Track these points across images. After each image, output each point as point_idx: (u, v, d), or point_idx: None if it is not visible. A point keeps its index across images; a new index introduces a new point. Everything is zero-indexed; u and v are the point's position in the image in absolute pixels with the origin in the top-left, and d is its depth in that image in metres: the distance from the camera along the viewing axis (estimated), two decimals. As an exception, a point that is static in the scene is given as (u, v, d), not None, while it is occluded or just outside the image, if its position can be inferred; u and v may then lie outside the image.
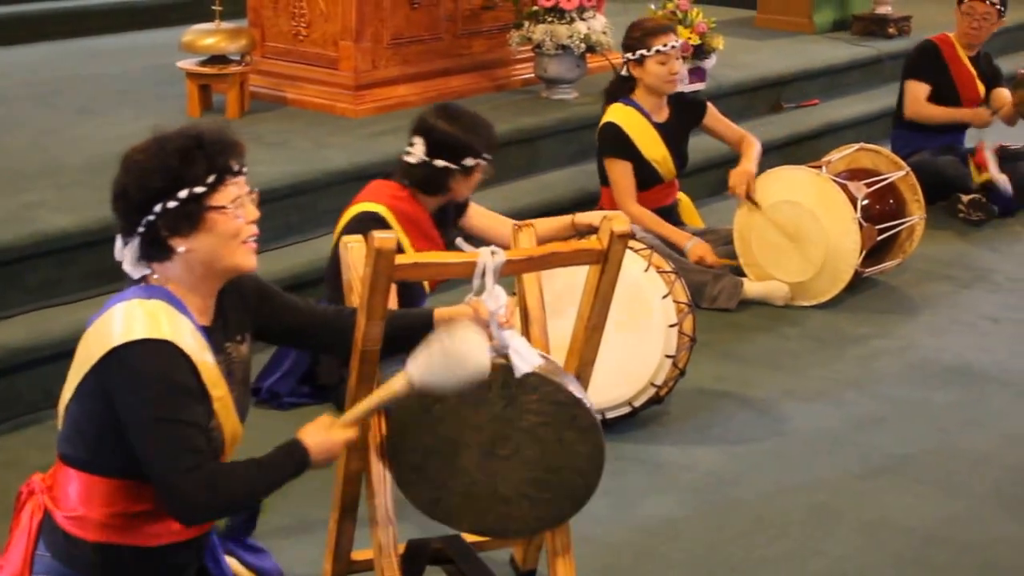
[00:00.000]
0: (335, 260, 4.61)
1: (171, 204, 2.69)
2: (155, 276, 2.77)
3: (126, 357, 2.65)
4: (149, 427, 2.64)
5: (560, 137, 6.82)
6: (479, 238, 4.84)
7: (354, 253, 3.22)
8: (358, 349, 3.01)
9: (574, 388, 3.05)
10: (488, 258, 2.96)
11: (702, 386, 4.97)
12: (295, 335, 3.14)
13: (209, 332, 2.79)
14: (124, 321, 2.67)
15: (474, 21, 7.13)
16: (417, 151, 4.50)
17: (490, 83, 7.22)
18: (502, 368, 2.98)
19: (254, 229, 2.82)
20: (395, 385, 2.86)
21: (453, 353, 2.80)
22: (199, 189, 2.70)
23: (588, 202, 6.10)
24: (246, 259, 2.81)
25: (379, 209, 4.50)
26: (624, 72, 5.86)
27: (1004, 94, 7.26)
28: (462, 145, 4.48)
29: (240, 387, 2.90)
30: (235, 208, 2.76)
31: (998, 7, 7.24)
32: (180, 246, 2.72)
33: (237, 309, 2.94)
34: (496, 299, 2.98)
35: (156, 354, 2.65)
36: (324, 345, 3.28)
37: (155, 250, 2.74)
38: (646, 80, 5.77)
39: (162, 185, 2.69)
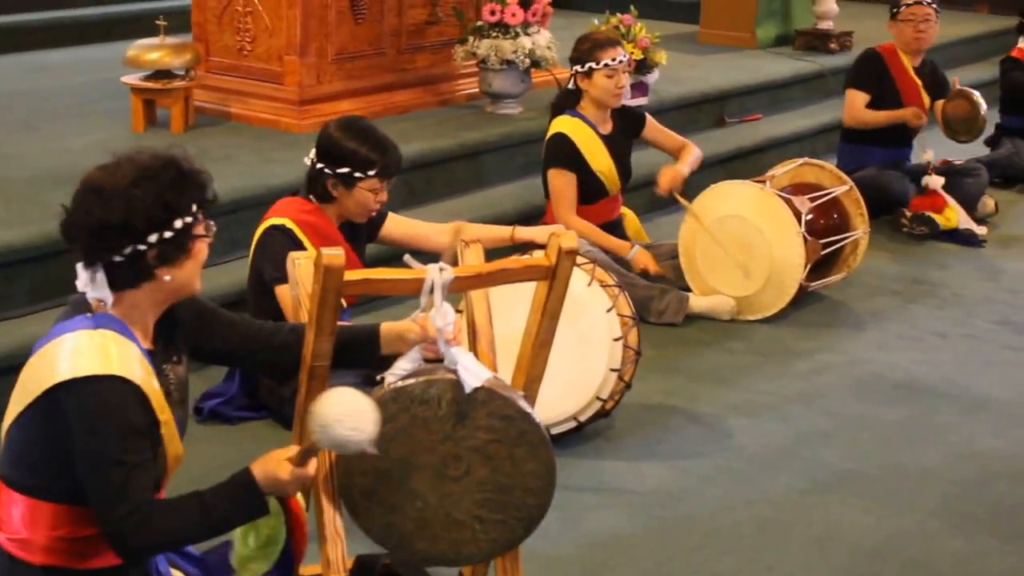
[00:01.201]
0: (255, 276, 4.60)
1: (167, 234, 2.72)
2: (107, 302, 2.74)
3: (74, 394, 2.63)
4: (94, 466, 2.63)
5: (505, 152, 6.81)
6: (404, 247, 4.83)
7: (302, 270, 3.19)
8: (307, 365, 2.99)
9: (523, 403, 3.04)
10: (436, 275, 2.94)
11: (649, 401, 4.96)
12: (233, 354, 3.13)
13: (152, 356, 2.77)
14: (72, 355, 2.65)
15: (418, 36, 7.12)
16: (311, 155, 4.52)
17: (434, 98, 7.20)
18: (451, 385, 2.96)
19: None
20: None
21: (341, 434, 2.74)
22: (189, 219, 2.75)
23: (533, 216, 6.10)
24: (199, 282, 2.86)
25: (286, 222, 4.50)
26: (571, 85, 5.87)
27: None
28: (343, 153, 4.46)
29: (179, 408, 2.88)
30: (209, 235, 2.80)
31: (935, 8, 7.27)
32: (166, 275, 2.75)
33: (173, 329, 2.93)
34: (444, 316, 2.96)
35: (106, 392, 2.63)
36: (263, 363, 3.23)
37: (134, 277, 2.74)
38: (593, 92, 5.78)
39: (162, 216, 2.71)
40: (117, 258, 2.71)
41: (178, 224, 2.72)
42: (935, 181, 7.01)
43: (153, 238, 2.70)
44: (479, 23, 6.92)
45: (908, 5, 7.23)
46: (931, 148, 7.12)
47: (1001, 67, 8.30)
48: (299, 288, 3.20)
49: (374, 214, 4.63)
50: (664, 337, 5.55)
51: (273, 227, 4.53)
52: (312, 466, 2.85)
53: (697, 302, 5.79)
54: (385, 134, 4.58)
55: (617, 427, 4.75)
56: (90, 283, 2.75)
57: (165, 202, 2.71)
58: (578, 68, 5.79)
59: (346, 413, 2.70)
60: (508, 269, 3.12)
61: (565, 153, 5.76)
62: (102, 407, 2.62)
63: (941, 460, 4.64)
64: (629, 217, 6.21)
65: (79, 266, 2.77)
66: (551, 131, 5.85)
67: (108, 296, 2.75)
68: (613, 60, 5.72)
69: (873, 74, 7.27)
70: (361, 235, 4.72)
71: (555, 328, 3.18)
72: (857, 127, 7.25)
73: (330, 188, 4.50)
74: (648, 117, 6.11)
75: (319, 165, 4.50)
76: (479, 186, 6.63)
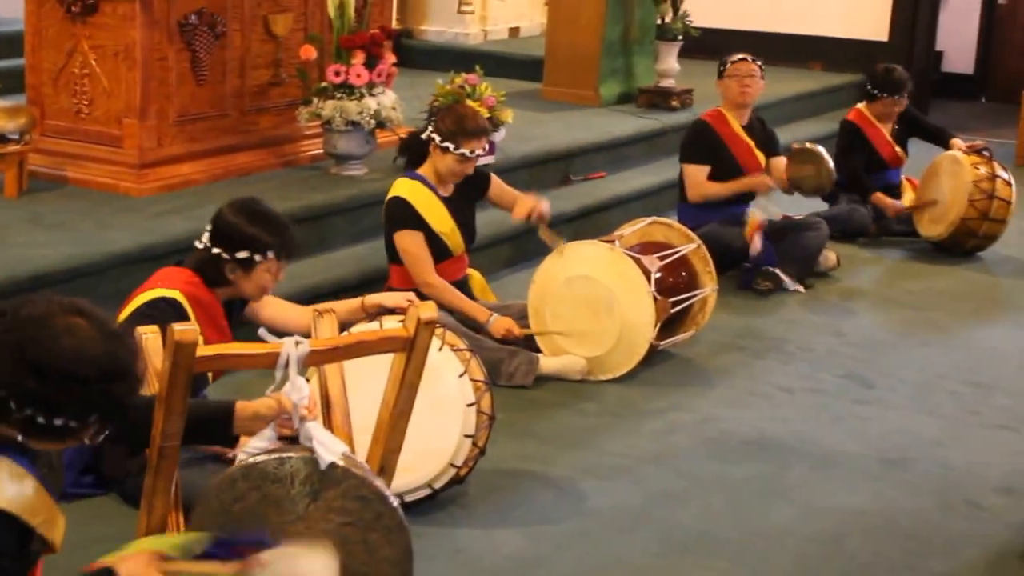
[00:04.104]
0: None
1: (56, 422, 2.60)
2: None
3: None
4: None
5: (350, 214, 6.73)
6: (272, 328, 4.73)
7: (150, 344, 3.10)
8: (156, 445, 2.89)
9: (379, 484, 2.96)
10: (292, 348, 2.88)
11: (502, 465, 4.90)
12: None
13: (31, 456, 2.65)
14: None
15: (262, 97, 7.03)
16: (205, 237, 4.40)
17: (278, 160, 7.11)
18: (305, 462, 2.88)
19: None
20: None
21: None
22: (75, 425, 2.63)
23: (379, 280, 6.03)
24: None
25: (175, 295, 4.34)
26: (427, 146, 5.78)
27: (781, 162, 7.38)
28: (240, 237, 4.35)
29: (54, 480, 2.74)
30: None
31: (760, 64, 7.39)
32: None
33: None
34: (299, 391, 2.89)
35: None
36: (113, 436, 3.12)
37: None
38: (440, 167, 5.74)
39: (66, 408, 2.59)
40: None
41: (69, 423, 2.61)
42: (755, 243, 7.14)
43: (40, 419, 2.58)
44: (323, 84, 6.85)
45: (733, 62, 7.36)
46: (760, 211, 7.24)
47: (840, 129, 8.44)
48: (148, 365, 3.09)
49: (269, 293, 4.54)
50: (515, 399, 5.50)
51: (161, 298, 4.33)
52: None
53: (547, 363, 5.76)
54: (279, 214, 4.49)
55: (471, 493, 4.68)
56: None
57: (85, 403, 2.59)
58: (436, 138, 5.73)
59: None
60: (366, 341, 3.07)
61: (406, 215, 5.70)
62: None
63: (795, 518, 4.65)
64: (475, 277, 6.16)
65: None
66: (389, 194, 5.79)
67: None
68: (471, 152, 5.70)
69: (705, 145, 7.34)
70: (235, 312, 4.60)
71: (413, 399, 3.14)
72: (704, 201, 7.29)
73: (227, 273, 4.37)
74: (494, 178, 6.08)
75: (215, 250, 4.36)
76: (324, 249, 6.53)
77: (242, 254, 4.34)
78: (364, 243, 6.65)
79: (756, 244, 7.05)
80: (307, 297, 5.52)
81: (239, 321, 4.65)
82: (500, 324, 5.72)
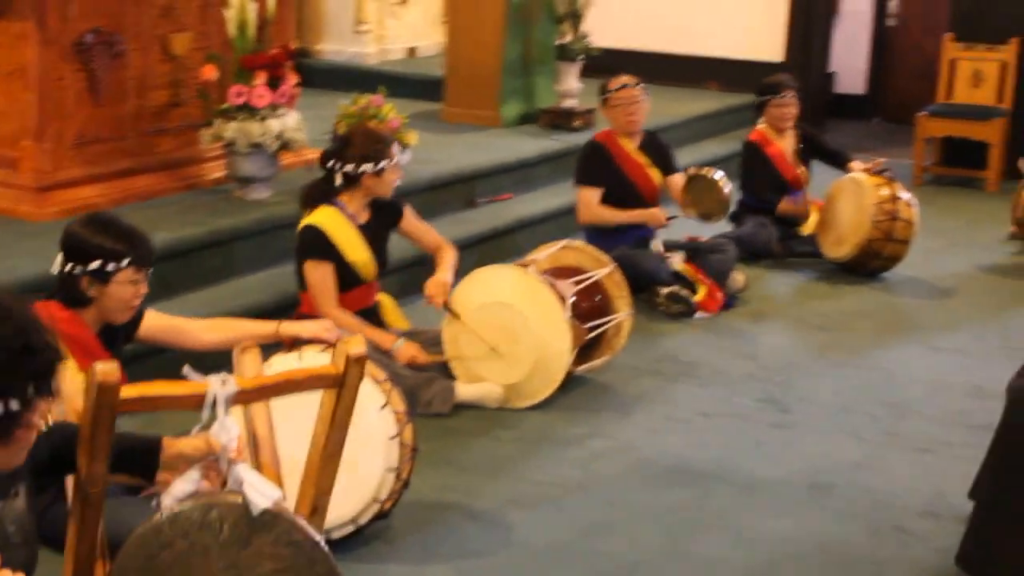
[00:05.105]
0: None
1: None
2: None
3: None
4: None
5: (257, 239, 6.55)
6: (166, 345, 4.57)
7: (70, 382, 2.93)
8: (81, 492, 2.72)
9: (311, 529, 2.82)
10: (219, 387, 2.73)
11: (424, 498, 4.78)
12: None
13: None
14: None
15: (161, 118, 6.82)
16: (58, 260, 4.21)
17: (179, 183, 6.90)
18: (234, 507, 2.73)
19: None
20: None
21: None
22: (17, 406, 2.44)
23: (290, 306, 5.88)
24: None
25: None
26: (339, 182, 5.64)
27: (679, 180, 7.34)
28: (91, 248, 4.15)
29: (22, 549, 2.57)
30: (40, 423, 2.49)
31: (642, 87, 7.34)
32: None
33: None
34: (228, 431, 2.75)
35: None
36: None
37: None
38: (378, 189, 5.62)
39: None
40: None
41: (11, 406, 2.43)
42: (675, 259, 7.08)
43: None
44: (225, 105, 6.67)
45: (615, 91, 7.31)
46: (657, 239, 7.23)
47: (743, 149, 8.43)
48: (66, 404, 2.93)
49: (135, 311, 4.33)
50: (432, 428, 5.37)
51: None
52: None
53: (464, 391, 5.64)
54: (131, 223, 4.30)
55: (396, 527, 4.55)
56: None
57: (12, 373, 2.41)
58: (368, 168, 5.59)
59: None
60: (294, 379, 2.93)
61: (318, 245, 5.56)
62: None
63: (726, 547, 4.58)
64: (387, 303, 6.03)
65: None
66: (303, 222, 5.64)
67: None
68: (396, 155, 5.65)
69: (598, 166, 7.28)
70: (119, 338, 4.40)
71: (344, 438, 3.01)
72: (594, 224, 7.23)
73: (85, 289, 4.17)
74: (407, 210, 5.94)
75: (68, 267, 4.17)
76: (231, 275, 6.36)
77: (94, 265, 4.14)
78: (272, 268, 6.48)
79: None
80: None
81: (123, 347, 4.47)
82: (406, 351, 5.60)
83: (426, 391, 5.54)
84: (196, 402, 2.77)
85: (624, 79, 7.33)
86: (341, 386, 2.96)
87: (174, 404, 2.89)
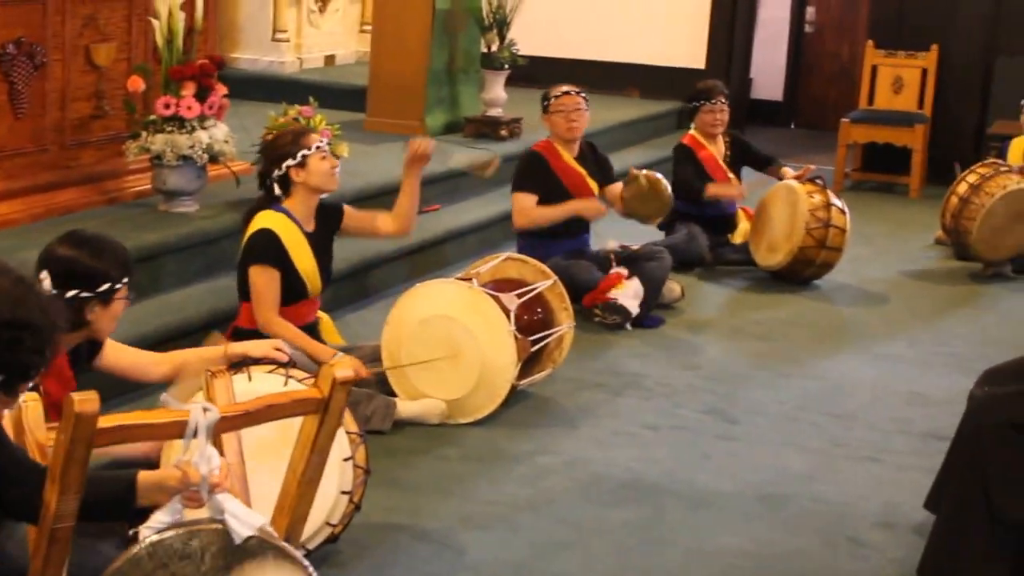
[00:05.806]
0: None
1: None
2: None
3: None
4: None
5: (184, 253, 6.37)
6: (122, 377, 4.42)
7: (32, 413, 2.77)
8: (47, 528, 2.57)
9: (299, 554, 2.71)
10: (200, 416, 2.60)
11: (370, 519, 4.63)
12: None
13: None
14: None
15: (83, 131, 6.63)
16: (45, 286, 4.02)
17: (102, 197, 6.70)
18: (216, 536, 2.61)
19: None
20: None
21: None
22: None
23: (221, 321, 5.75)
24: None
25: None
26: (275, 185, 5.52)
27: (617, 190, 7.29)
28: (96, 272, 4.02)
29: None
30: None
31: (584, 96, 7.28)
32: None
33: None
34: (208, 461, 2.62)
35: None
36: None
37: None
38: (312, 181, 5.49)
39: None
40: None
41: None
42: (621, 271, 7.01)
43: None
44: (152, 117, 6.49)
45: (557, 97, 7.23)
46: (613, 239, 7.12)
47: (674, 154, 8.38)
48: (29, 436, 2.77)
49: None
50: (373, 446, 5.15)
51: None
52: None
53: (406, 407, 5.52)
54: (105, 235, 4.21)
55: (344, 551, 4.41)
56: None
57: None
58: (291, 162, 5.47)
59: None
60: (277, 405, 2.81)
61: (270, 250, 5.42)
62: None
63: (680, 562, 4.49)
64: (324, 320, 5.89)
65: None
66: (255, 226, 5.48)
67: None
68: (321, 142, 5.54)
69: (537, 175, 7.19)
70: (82, 360, 4.24)
71: (324, 464, 2.89)
72: (532, 227, 7.14)
73: (87, 314, 4.01)
74: (346, 207, 5.84)
75: (72, 293, 3.96)
76: (158, 291, 6.16)
77: (103, 287, 4.01)
78: (201, 283, 6.31)
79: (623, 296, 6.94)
80: (145, 344, 5.15)
81: (85, 370, 4.31)
82: (347, 365, 5.45)
83: (366, 407, 5.40)
84: (177, 431, 2.64)
85: (566, 87, 7.27)
86: (324, 411, 2.84)
87: (154, 434, 2.77)
